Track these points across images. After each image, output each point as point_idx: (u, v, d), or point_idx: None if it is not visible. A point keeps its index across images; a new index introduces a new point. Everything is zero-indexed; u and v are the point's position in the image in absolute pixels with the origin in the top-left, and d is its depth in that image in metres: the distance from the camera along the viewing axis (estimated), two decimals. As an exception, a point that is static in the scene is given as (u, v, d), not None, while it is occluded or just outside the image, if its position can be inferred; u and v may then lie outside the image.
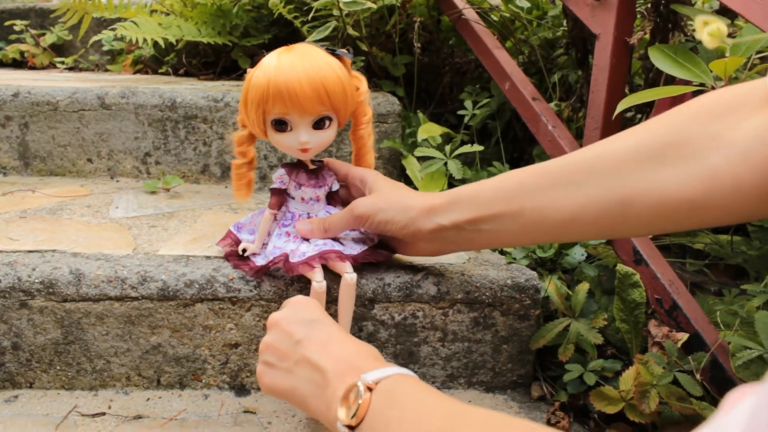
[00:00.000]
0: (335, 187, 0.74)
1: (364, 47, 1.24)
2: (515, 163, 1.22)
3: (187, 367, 0.73)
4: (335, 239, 0.72)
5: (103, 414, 0.68)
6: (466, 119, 1.20)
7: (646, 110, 1.09)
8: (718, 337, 0.71)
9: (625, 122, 1.02)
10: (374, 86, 1.29)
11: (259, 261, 0.71)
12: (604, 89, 0.89)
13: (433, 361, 0.76)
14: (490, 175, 1.08)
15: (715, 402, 0.69)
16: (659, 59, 0.77)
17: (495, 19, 1.32)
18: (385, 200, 0.68)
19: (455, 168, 1.02)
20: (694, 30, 0.93)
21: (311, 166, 0.73)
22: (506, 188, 0.61)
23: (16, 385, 0.72)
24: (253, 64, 0.67)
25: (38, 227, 0.84)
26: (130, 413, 0.69)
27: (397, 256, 0.78)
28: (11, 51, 1.82)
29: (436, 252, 0.69)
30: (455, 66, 1.36)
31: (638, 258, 0.80)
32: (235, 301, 0.71)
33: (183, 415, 0.69)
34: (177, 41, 1.45)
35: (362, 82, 0.72)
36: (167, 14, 1.48)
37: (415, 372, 0.75)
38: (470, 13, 1.22)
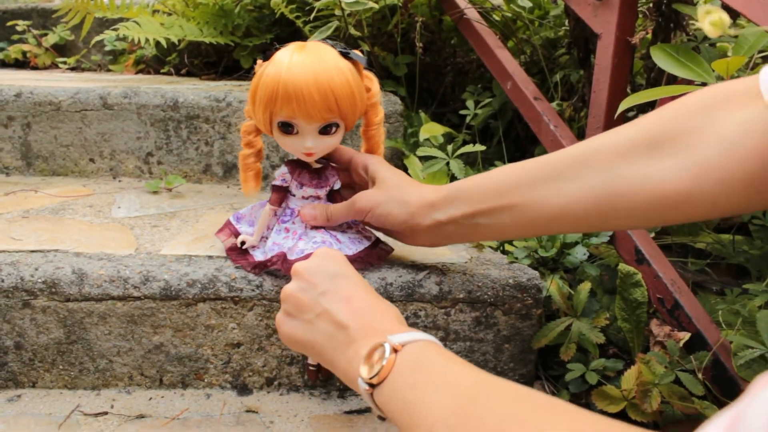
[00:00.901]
0: (337, 185, 0.74)
1: (366, 47, 1.24)
2: (517, 163, 1.22)
3: (189, 367, 0.73)
4: (334, 238, 0.72)
5: (106, 413, 0.68)
6: (468, 119, 1.20)
7: (647, 110, 1.09)
8: (720, 336, 0.71)
9: (627, 122, 1.02)
10: (376, 86, 1.29)
11: (258, 255, 0.72)
12: (606, 89, 0.89)
13: (435, 360, 0.76)
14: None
15: (717, 401, 0.69)
16: (661, 59, 0.77)
17: (497, 18, 1.32)
18: (385, 194, 0.69)
19: (457, 168, 1.02)
20: (696, 29, 0.93)
21: (315, 166, 0.73)
22: (502, 183, 0.62)
23: (19, 384, 0.72)
24: (266, 58, 0.65)
25: (41, 227, 0.84)
26: (133, 413, 0.69)
27: (399, 255, 0.78)
28: (13, 51, 1.82)
29: (435, 244, 0.70)
30: (457, 66, 1.36)
31: (640, 257, 0.80)
32: (237, 301, 0.71)
33: (185, 414, 0.69)
34: (179, 41, 1.45)
35: (374, 82, 0.71)
36: (169, 14, 1.48)
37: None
38: (472, 13, 1.22)
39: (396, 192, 0.69)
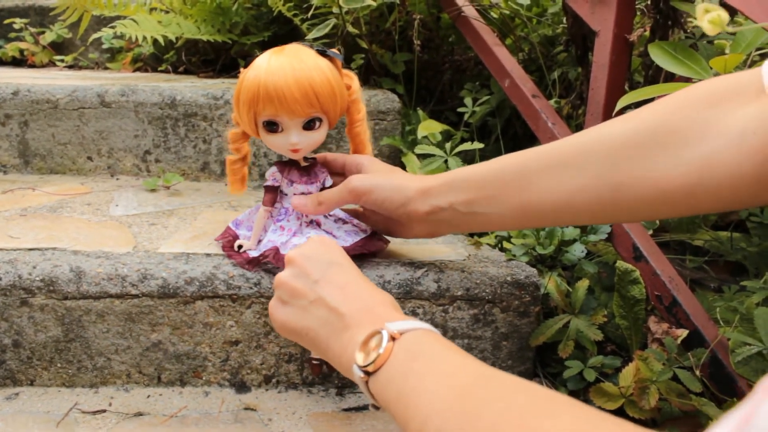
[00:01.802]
0: (328, 182, 0.75)
1: (364, 45, 1.24)
2: (515, 161, 1.22)
3: (187, 365, 0.73)
4: (328, 231, 0.72)
5: (104, 411, 0.68)
6: (466, 116, 1.20)
7: (645, 107, 1.09)
8: (717, 333, 0.71)
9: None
10: (374, 84, 1.29)
11: (254, 253, 0.72)
12: (604, 86, 0.89)
13: (433, 358, 0.76)
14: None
15: (714, 398, 0.69)
16: (659, 56, 0.77)
17: (495, 16, 1.32)
18: (382, 178, 0.68)
19: (455, 165, 1.02)
20: (694, 27, 0.93)
21: (303, 164, 0.74)
22: (501, 171, 0.61)
23: (17, 382, 0.72)
24: (247, 65, 0.68)
25: (38, 225, 0.84)
26: (131, 410, 0.69)
27: (397, 253, 0.78)
28: (11, 49, 1.81)
29: (431, 234, 0.69)
30: (455, 63, 1.36)
31: (638, 254, 0.81)
32: (235, 299, 0.71)
33: (183, 412, 0.69)
34: (176, 39, 1.45)
35: (353, 80, 0.73)
36: (167, 12, 1.48)
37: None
38: (470, 11, 1.22)
39: (393, 177, 0.69)
